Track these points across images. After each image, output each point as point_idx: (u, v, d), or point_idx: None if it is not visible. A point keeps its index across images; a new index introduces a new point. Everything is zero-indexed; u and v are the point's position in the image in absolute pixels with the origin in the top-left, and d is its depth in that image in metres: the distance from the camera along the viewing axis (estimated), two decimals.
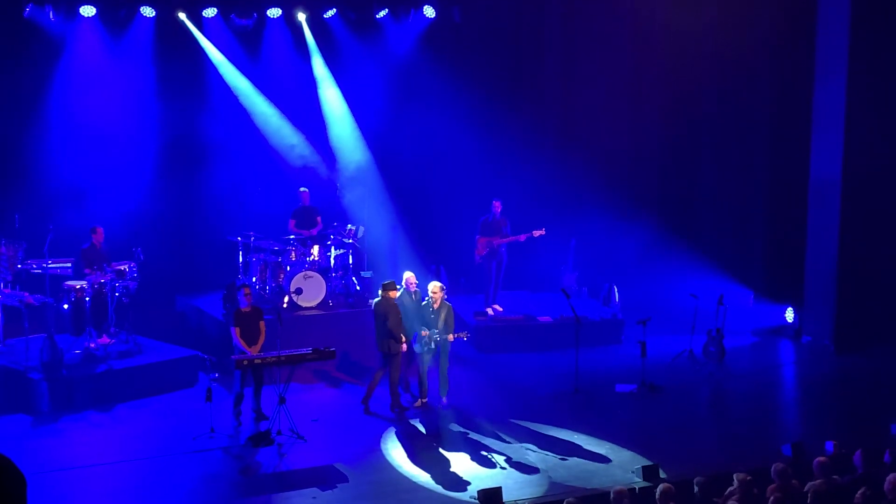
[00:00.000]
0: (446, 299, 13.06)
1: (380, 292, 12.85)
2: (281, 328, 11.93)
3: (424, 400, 13.03)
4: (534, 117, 19.00)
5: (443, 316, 12.84)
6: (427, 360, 12.94)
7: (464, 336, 13.20)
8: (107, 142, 16.39)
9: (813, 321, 16.93)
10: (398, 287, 12.98)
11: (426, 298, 13.03)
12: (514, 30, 19.01)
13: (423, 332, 12.78)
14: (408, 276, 13.45)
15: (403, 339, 12.76)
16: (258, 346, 12.23)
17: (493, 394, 13.92)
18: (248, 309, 12.34)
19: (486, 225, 16.44)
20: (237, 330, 12.22)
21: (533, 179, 18.57)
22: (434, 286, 13.00)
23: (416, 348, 12.91)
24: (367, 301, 15.93)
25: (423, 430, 12.22)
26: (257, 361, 11.76)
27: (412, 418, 12.59)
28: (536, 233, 16.23)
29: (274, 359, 11.73)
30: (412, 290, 13.34)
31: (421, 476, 10.68)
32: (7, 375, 13.01)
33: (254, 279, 15.31)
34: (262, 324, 12.39)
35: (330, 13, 17.66)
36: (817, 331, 16.78)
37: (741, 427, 12.79)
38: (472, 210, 16.95)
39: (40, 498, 9.43)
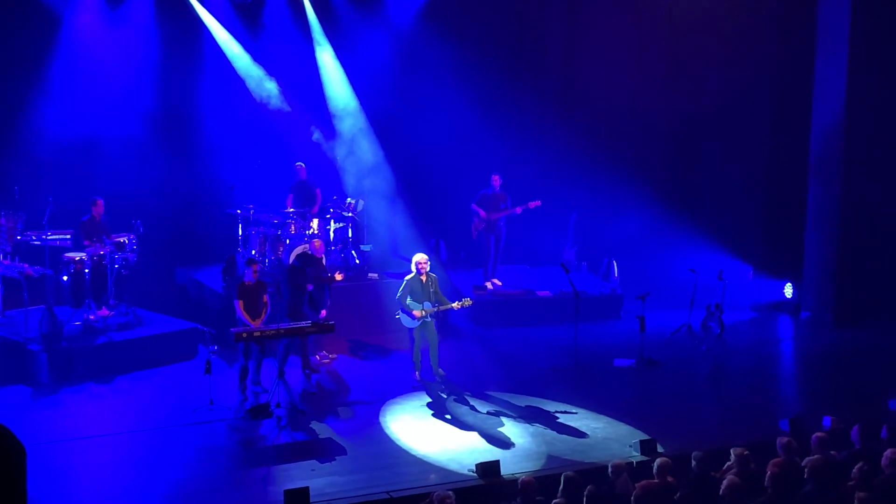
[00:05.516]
0: (430, 271, 12.94)
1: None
2: (280, 301, 11.93)
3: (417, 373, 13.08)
4: (535, 91, 18.96)
5: (435, 287, 12.82)
6: (419, 334, 12.89)
7: (467, 303, 13.18)
8: (107, 114, 16.27)
9: (812, 296, 16.95)
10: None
11: (416, 273, 12.81)
12: (516, 2, 18.90)
13: (417, 313, 12.72)
14: (318, 244, 13.52)
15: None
16: (261, 320, 12.21)
17: (491, 368, 13.94)
18: (251, 282, 12.32)
19: (484, 198, 16.38)
20: (240, 303, 12.21)
21: (534, 153, 18.53)
22: (420, 258, 12.88)
23: (405, 323, 12.90)
24: (367, 274, 15.98)
25: (421, 403, 12.24)
26: (257, 334, 11.78)
27: (413, 391, 12.62)
28: (532, 204, 16.21)
29: (273, 332, 11.75)
30: (319, 255, 13.47)
31: (419, 449, 10.71)
32: (6, 347, 13.04)
33: (253, 252, 15.28)
34: (265, 297, 12.35)
35: None
36: (816, 306, 16.81)
37: (739, 402, 12.82)
38: (473, 184, 16.88)
39: (39, 469, 9.45)
